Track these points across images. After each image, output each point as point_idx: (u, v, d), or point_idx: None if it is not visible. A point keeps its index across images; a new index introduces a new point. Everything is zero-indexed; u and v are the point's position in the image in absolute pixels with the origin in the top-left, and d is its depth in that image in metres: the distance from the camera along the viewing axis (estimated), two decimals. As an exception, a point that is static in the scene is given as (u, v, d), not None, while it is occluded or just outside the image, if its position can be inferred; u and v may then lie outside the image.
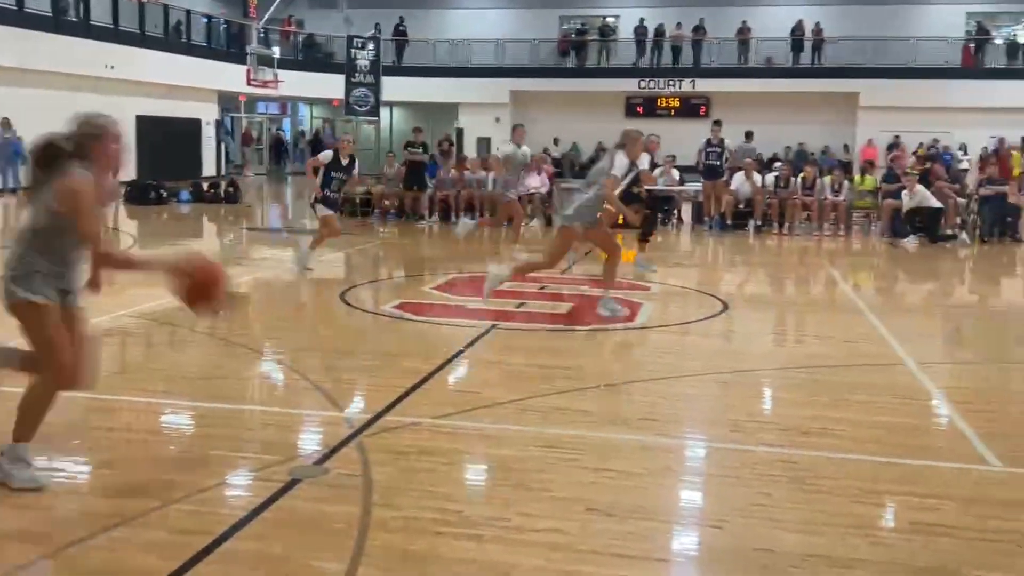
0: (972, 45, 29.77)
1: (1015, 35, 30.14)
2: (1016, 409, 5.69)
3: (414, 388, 5.64)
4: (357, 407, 5.43)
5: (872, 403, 5.57)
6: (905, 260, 13.48)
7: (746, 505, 3.94)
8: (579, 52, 32.30)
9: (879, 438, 4.91)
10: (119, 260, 4.40)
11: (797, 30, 30.22)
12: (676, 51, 31.09)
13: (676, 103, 31.16)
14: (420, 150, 17.15)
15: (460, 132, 31.02)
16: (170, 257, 4.08)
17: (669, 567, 3.52)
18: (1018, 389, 6.24)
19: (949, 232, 15.11)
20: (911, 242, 14.59)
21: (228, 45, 30.14)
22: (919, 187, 15.11)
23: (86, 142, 4.02)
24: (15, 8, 21.43)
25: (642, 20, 31.54)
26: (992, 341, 7.97)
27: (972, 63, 29.45)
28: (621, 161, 7.78)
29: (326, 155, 10.52)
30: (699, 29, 30.77)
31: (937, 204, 15.04)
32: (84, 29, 23.47)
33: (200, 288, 4.00)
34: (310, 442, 4.84)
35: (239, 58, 28.90)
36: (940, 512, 3.92)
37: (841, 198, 16.16)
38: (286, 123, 36.81)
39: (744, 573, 3.38)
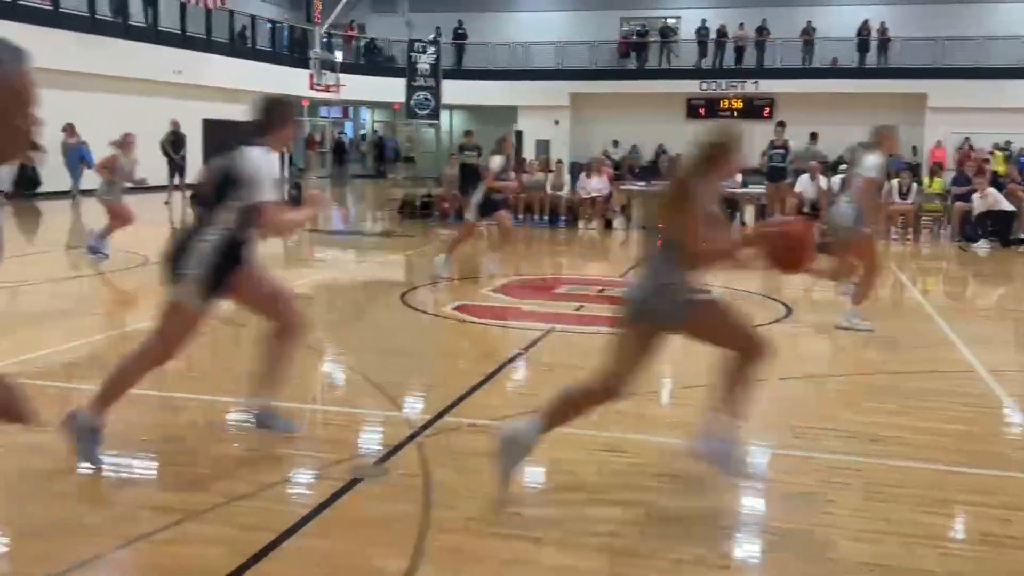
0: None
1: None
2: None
3: (473, 390, 5.66)
4: (416, 408, 5.47)
5: (942, 410, 5.44)
6: (976, 264, 13.13)
7: (809, 512, 3.88)
8: (639, 54, 32.12)
9: (949, 446, 4.80)
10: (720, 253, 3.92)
11: (863, 30, 29.70)
12: (739, 52, 30.76)
13: (739, 104, 30.80)
14: (474, 153, 17.21)
15: (519, 135, 31.09)
16: (754, 232, 4.11)
17: (728, 574, 3.47)
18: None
19: (1022, 236, 14.69)
20: (982, 246, 14.21)
21: (291, 50, 30.63)
22: (991, 190, 14.72)
23: (716, 153, 3.82)
24: (87, 15, 22.06)
25: (704, 21, 31.26)
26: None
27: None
28: (874, 161, 7.38)
29: (498, 161, 10.55)
30: (762, 30, 30.40)
31: (1009, 207, 14.64)
32: (153, 35, 24.07)
33: (790, 251, 3.83)
34: (371, 442, 4.88)
35: (302, 63, 29.33)
36: (1012, 524, 3.81)
37: (909, 201, 15.81)
38: (348, 126, 37.25)
39: (807, 581, 3.32)
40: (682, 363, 6.86)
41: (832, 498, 4.04)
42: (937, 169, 17.90)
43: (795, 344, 7.64)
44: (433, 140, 31.17)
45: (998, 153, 23.00)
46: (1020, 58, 28.51)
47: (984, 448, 4.85)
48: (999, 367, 6.56)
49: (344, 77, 29.50)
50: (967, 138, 26.65)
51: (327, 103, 32.62)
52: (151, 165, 20.84)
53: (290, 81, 28.83)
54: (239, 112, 26.61)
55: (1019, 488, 4.26)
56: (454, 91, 29.50)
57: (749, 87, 30.29)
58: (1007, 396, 5.82)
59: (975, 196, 14.76)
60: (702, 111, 31.24)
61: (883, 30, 29.51)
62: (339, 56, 30.89)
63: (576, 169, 20.09)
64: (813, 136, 18.99)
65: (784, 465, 4.57)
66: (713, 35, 31.08)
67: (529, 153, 27.35)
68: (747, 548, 3.68)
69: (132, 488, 4.17)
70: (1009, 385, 6.08)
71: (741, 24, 30.74)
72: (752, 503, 4.15)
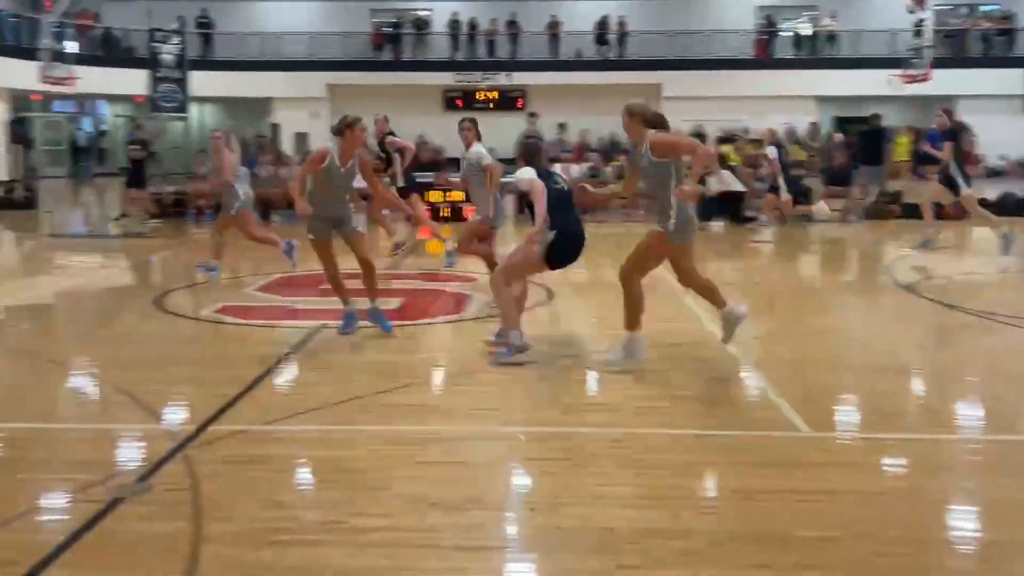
0: (763, 37, 31.73)
1: (798, 28, 32.31)
2: (819, 376, 6.10)
3: (241, 395, 5.46)
4: (180, 418, 5.20)
5: (690, 379, 5.85)
6: (711, 242, 14.19)
7: (580, 486, 4.05)
8: (394, 45, 32.08)
9: (699, 412, 5.17)
10: None
11: (603, 24, 31.27)
12: (491, 45, 31.48)
13: (494, 96, 31.48)
14: (140, 147, 16.34)
15: (275, 128, 30.19)
16: None
17: (508, 554, 3.56)
18: (821, 358, 6.69)
19: (751, 214, 16.05)
20: (716, 224, 15.38)
21: (18, 40, 28.04)
22: (724, 172, 15.96)
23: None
24: None
25: (455, 14, 31.69)
26: (791, 312, 8.49)
27: (763, 54, 31.38)
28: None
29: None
30: (512, 23, 31.26)
31: (740, 187, 15.94)
32: None
33: None
34: (131, 458, 4.59)
35: (30, 54, 26.94)
36: (761, 479, 4.16)
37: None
38: (86, 122, 34.62)
39: (581, 553, 3.47)
40: (449, 352, 6.95)
41: (600, 470, 4.25)
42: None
43: (556, 325, 7.93)
44: (181, 135, 29.64)
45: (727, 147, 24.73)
46: (743, 50, 31.10)
47: (728, 411, 5.27)
48: (736, 335, 7.12)
49: (80, 69, 27.40)
50: (700, 125, 28.72)
51: (61, 97, 30.19)
52: None
53: (17, 74, 26.45)
54: (-45, 108, 23.32)
55: (762, 445, 4.65)
56: (203, 83, 28.17)
57: (502, 79, 31.04)
58: (745, 361, 6.34)
59: (709, 178, 15.94)
60: (459, 103, 31.68)
61: (622, 24, 31.20)
62: (72, 46, 28.64)
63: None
64: (562, 126, 19.78)
65: (553, 442, 4.74)
66: (465, 28, 31.60)
67: (287, 147, 26.63)
68: (522, 527, 3.79)
69: None
70: (745, 351, 6.61)
71: (493, 19, 31.45)
72: (523, 482, 4.27)
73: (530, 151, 6.43)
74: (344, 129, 6.83)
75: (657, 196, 5.94)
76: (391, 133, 11.36)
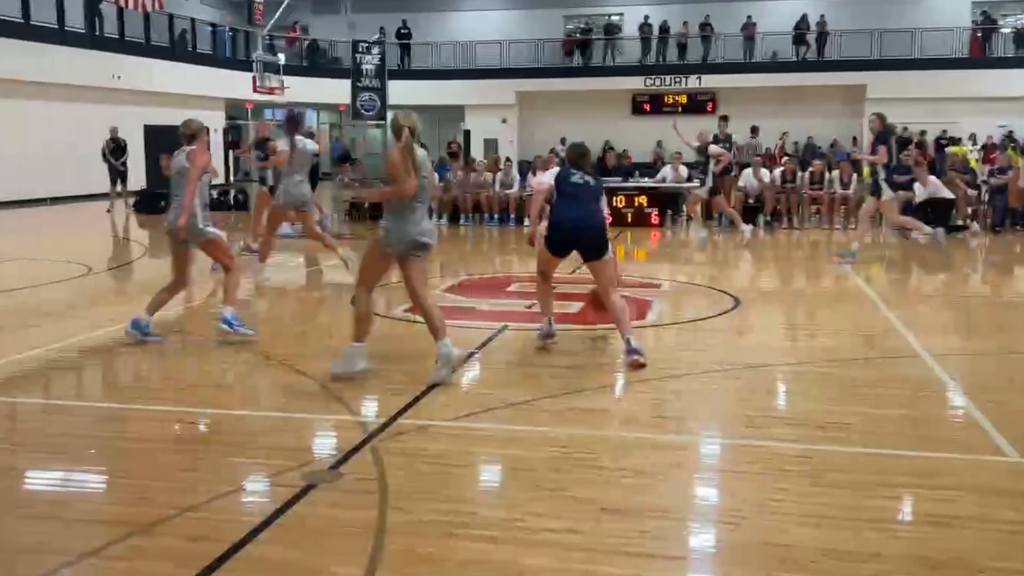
0: (979, 34, 29.65)
1: (1022, 23, 29.96)
2: (1031, 399, 5.65)
3: (427, 391, 5.65)
4: (370, 411, 5.44)
5: (887, 396, 5.55)
6: (917, 251, 13.41)
7: (762, 501, 3.93)
8: (584, 51, 32.29)
9: (894, 431, 4.90)
10: None
11: (801, 24, 30.19)
12: (682, 48, 31.10)
13: (683, 99, 31.11)
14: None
15: (467, 134, 31.06)
16: None
17: (685, 565, 3.51)
18: (1033, 379, 6.19)
19: (960, 223, 15.04)
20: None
21: (233, 53, 30.25)
22: (931, 178, 15.04)
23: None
24: (21, 21, 21.54)
25: (647, 18, 31.52)
26: (1006, 331, 7.91)
27: (979, 52, 29.31)
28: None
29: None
30: (705, 26, 30.76)
31: (949, 195, 14.97)
32: (90, 40, 23.59)
33: None
34: (324, 447, 4.85)
35: (245, 65, 29.00)
36: (956, 504, 3.90)
37: (850, 191, 16.10)
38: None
39: (760, 569, 3.37)
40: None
41: (784, 486, 4.10)
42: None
43: (744, 335, 7.74)
44: (379, 141, 31.01)
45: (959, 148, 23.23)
46: (954, 49, 29.21)
47: (929, 431, 4.96)
48: (941, 351, 6.71)
49: (288, 79, 29.24)
50: (906, 127, 27.19)
51: (271, 106, 32.30)
52: (92, 173, 20.52)
53: (233, 84, 28.50)
54: (182, 117, 26.08)
55: (961, 469, 4.36)
56: (400, 91, 29.39)
57: (692, 82, 30.59)
58: (949, 379, 5.95)
59: (916, 184, 15.06)
60: (647, 107, 31.51)
61: (821, 24, 30.03)
62: (282, 58, 30.59)
63: (525, 167, 20.14)
64: (754, 130, 19.27)
65: (736, 455, 4.62)
66: (656, 31, 31.38)
67: (477, 152, 27.36)
68: (701, 539, 3.73)
69: (78, 502, 4.09)
70: (951, 369, 6.22)
71: (685, 22, 31.06)
72: (704, 493, 4.20)
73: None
74: (196, 134, 7.34)
75: None
76: (269, 139, 13.59)
